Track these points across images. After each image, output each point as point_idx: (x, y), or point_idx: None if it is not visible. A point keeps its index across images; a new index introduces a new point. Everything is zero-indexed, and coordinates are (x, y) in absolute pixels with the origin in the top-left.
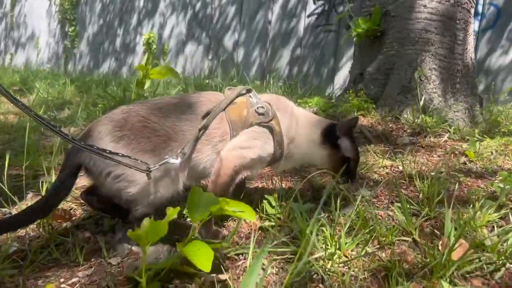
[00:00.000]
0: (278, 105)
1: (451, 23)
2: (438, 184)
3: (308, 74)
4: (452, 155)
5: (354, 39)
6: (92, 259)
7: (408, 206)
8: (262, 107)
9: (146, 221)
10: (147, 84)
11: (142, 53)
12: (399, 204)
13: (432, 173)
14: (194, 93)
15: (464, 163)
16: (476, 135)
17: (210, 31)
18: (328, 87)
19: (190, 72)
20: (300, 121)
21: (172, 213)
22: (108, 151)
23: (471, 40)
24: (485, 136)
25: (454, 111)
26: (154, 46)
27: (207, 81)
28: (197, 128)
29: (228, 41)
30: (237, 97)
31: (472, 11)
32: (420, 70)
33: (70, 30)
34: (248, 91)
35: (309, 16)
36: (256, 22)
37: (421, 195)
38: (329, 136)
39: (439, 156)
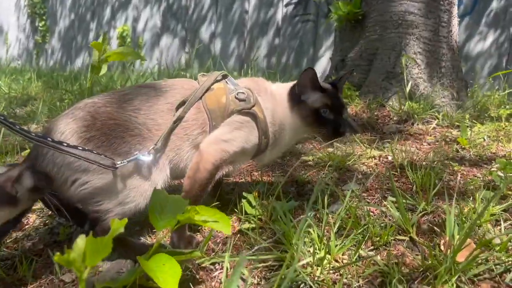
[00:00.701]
0: (259, 89)
1: (434, 4)
2: (433, 174)
3: (288, 64)
4: (443, 142)
5: (335, 25)
6: (43, 276)
7: (403, 200)
8: (242, 92)
9: (81, 239)
10: (104, 69)
11: (117, 47)
12: (392, 199)
13: (424, 163)
14: (165, 80)
15: (457, 151)
16: (467, 120)
17: (185, 23)
18: None
19: (167, 63)
20: (277, 100)
21: (117, 226)
22: (66, 144)
23: (455, 22)
24: (475, 122)
25: (441, 97)
26: (129, 40)
27: (182, 72)
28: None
29: (205, 32)
30: (213, 83)
31: None
32: (405, 55)
33: (40, 25)
34: (224, 76)
35: (286, 5)
36: (233, 13)
37: (414, 187)
38: (293, 97)
39: (429, 144)
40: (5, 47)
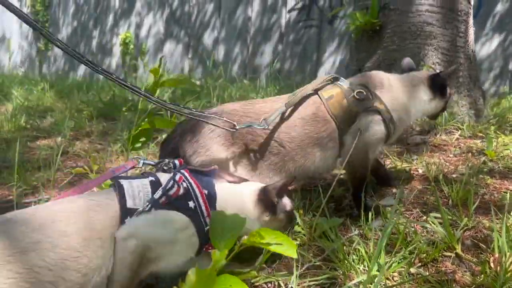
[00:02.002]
0: (374, 84)
1: (452, 15)
2: (471, 189)
3: (291, 70)
4: (470, 154)
5: (352, 35)
6: None
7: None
8: (360, 91)
9: (192, 272)
10: (158, 92)
11: (120, 54)
12: (434, 214)
13: (454, 175)
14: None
15: (485, 163)
16: (491, 132)
17: (188, 29)
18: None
19: (169, 71)
20: (396, 88)
21: (218, 257)
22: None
23: (471, 31)
24: (498, 133)
25: (460, 106)
26: (132, 46)
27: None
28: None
29: (208, 38)
30: (324, 84)
31: (472, 1)
32: (425, 65)
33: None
34: (335, 79)
35: (289, 11)
36: (236, 19)
37: (450, 201)
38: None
39: (455, 156)
40: (7, 54)
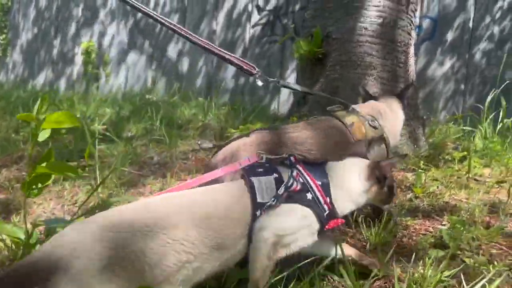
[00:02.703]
0: (376, 113)
1: (392, 46)
2: (385, 233)
3: (255, 85)
4: (399, 190)
5: (295, 63)
6: None
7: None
8: (372, 120)
9: None
10: (43, 134)
11: (82, 63)
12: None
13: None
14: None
15: (411, 200)
16: (421, 165)
17: (153, 40)
18: (274, 99)
19: (133, 83)
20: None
21: None
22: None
23: (412, 62)
24: (430, 165)
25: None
26: (94, 56)
27: (148, 96)
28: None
29: (172, 50)
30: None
31: (413, 33)
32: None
33: (1, 38)
34: (347, 106)
35: (254, 26)
36: (201, 31)
37: (368, 246)
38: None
39: None
40: None
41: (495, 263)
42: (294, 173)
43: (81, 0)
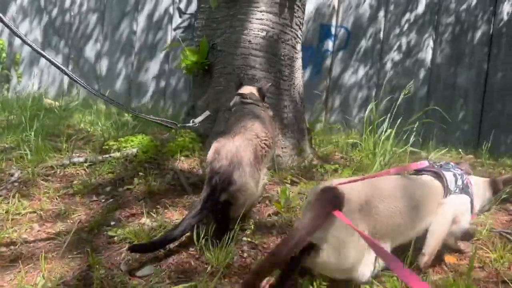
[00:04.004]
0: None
1: (275, 59)
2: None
3: (178, 89)
4: (263, 205)
5: (183, 72)
6: None
7: None
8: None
9: None
10: None
11: None
12: (184, 285)
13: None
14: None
15: (270, 216)
16: (289, 179)
17: (69, 40)
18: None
19: (48, 84)
20: None
21: None
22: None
23: (298, 75)
24: (302, 178)
25: (282, 148)
26: (4, 55)
27: (49, 101)
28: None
29: (90, 51)
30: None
31: (298, 47)
32: None
33: None
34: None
35: (175, 29)
36: (120, 33)
37: (209, 268)
38: None
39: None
40: None
41: None
42: (459, 172)
43: None
